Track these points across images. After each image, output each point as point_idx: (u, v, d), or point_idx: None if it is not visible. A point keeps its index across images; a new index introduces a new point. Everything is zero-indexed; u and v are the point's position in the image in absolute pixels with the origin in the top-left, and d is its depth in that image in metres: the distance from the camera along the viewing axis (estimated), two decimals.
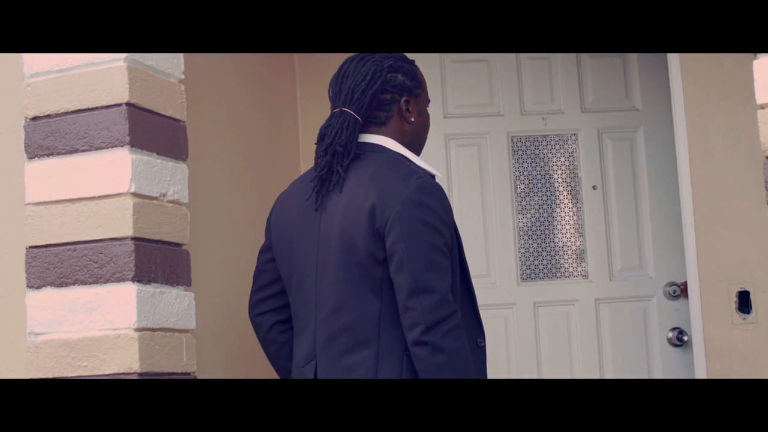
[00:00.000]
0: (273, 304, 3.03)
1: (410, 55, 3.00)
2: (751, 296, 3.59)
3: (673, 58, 3.80)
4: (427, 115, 2.97)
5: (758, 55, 2.57)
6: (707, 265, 3.67)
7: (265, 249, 3.02)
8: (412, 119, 2.90)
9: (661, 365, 4.24)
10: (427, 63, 4.17)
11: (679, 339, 4.22)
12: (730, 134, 3.65)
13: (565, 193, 4.38)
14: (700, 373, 3.67)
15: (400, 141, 2.87)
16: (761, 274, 3.59)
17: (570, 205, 4.37)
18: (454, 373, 2.59)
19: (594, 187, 4.33)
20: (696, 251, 3.70)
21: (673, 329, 4.27)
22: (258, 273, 3.05)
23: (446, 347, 2.59)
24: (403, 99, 2.88)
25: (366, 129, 2.86)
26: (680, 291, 4.25)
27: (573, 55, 4.39)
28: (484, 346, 2.84)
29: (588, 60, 4.42)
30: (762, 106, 2.54)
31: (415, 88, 2.90)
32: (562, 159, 4.38)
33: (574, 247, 4.35)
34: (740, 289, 3.61)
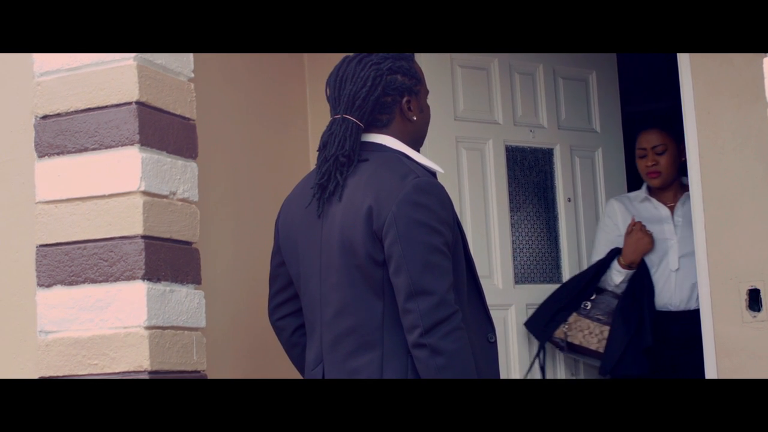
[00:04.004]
0: (291, 308, 3.01)
1: (420, 56, 2.99)
2: (762, 294, 3.58)
3: (683, 58, 3.80)
4: (428, 108, 2.94)
5: None
6: (717, 263, 3.66)
7: (275, 253, 3.01)
8: (414, 117, 2.87)
9: None
10: (438, 66, 4.19)
11: None
12: (740, 132, 3.64)
13: (548, 202, 4.56)
14: (711, 372, 3.66)
15: (401, 139, 2.85)
16: None
17: (552, 214, 4.53)
18: (454, 375, 2.58)
19: (569, 200, 4.57)
20: (706, 249, 3.69)
21: None
22: (272, 278, 3.04)
23: (445, 349, 2.58)
24: (404, 99, 2.85)
25: (368, 130, 2.83)
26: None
27: (551, 73, 4.59)
28: (495, 342, 2.82)
29: (561, 81, 4.63)
30: None
31: (415, 86, 2.87)
32: (546, 170, 4.57)
33: (554, 254, 4.54)
34: (750, 287, 3.59)
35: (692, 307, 4.15)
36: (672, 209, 4.32)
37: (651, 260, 4.21)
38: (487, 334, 2.81)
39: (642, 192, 4.38)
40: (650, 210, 4.31)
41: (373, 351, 2.70)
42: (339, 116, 2.81)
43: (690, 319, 4.09)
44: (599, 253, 4.33)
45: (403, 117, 2.86)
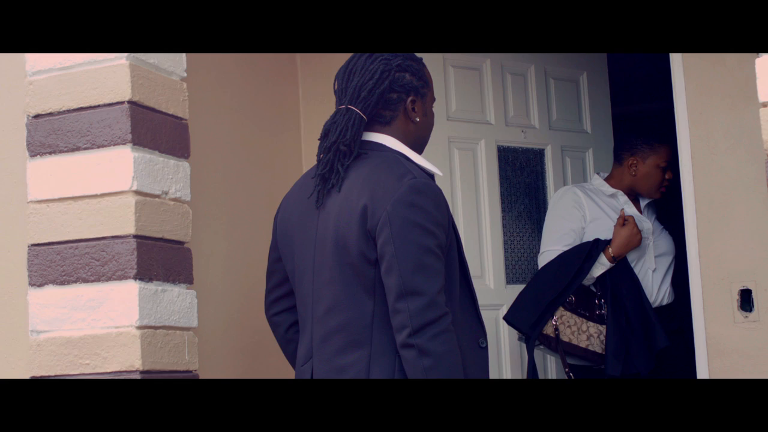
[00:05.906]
0: (287, 304, 2.99)
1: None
2: (753, 294, 3.59)
3: (676, 58, 3.80)
4: (432, 114, 2.94)
5: (760, 54, 2.57)
6: (709, 264, 3.67)
7: (273, 248, 3.00)
8: (417, 119, 2.86)
9: None
10: (431, 66, 4.17)
11: None
12: (732, 133, 3.65)
13: (539, 202, 4.56)
14: (702, 372, 3.67)
15: (403, 140, 2.85)
16: (763, 272, 3.58)
17: (543, 214, 4.46)
18: (441, 377, 2.57)
19: None
20: (698, 249, 3.69)
21: None
22: (269, 273, 3.03)
23: (433, 351, 2.57)
24: (410, 99, 2.85)
25: (370, 127, 2.84)
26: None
27: (543, 74, 4.62)
28: (486, 347, 2.82)
29: (552, 82, 4.65)
30: (764, 105, 2.54)
31: (422, 87, 2.87)
32: (537, 170, 4.59)
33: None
34: (742, 288, 3.60)
35: (664, 302, 4.20)
36: (638, 210, 4.30)
37: (630, 257, 4.17)
38: (478, 338, 2.80)
39: (606, 186, 4.28)
40: (617, 207, 4.25)
41: (361, 349, 2.70)
42: (343, 107, 2.81)
43: (662, 315, 4.10)
44: (559, 242, 4.13)
45: (406, 117, 2.85)
